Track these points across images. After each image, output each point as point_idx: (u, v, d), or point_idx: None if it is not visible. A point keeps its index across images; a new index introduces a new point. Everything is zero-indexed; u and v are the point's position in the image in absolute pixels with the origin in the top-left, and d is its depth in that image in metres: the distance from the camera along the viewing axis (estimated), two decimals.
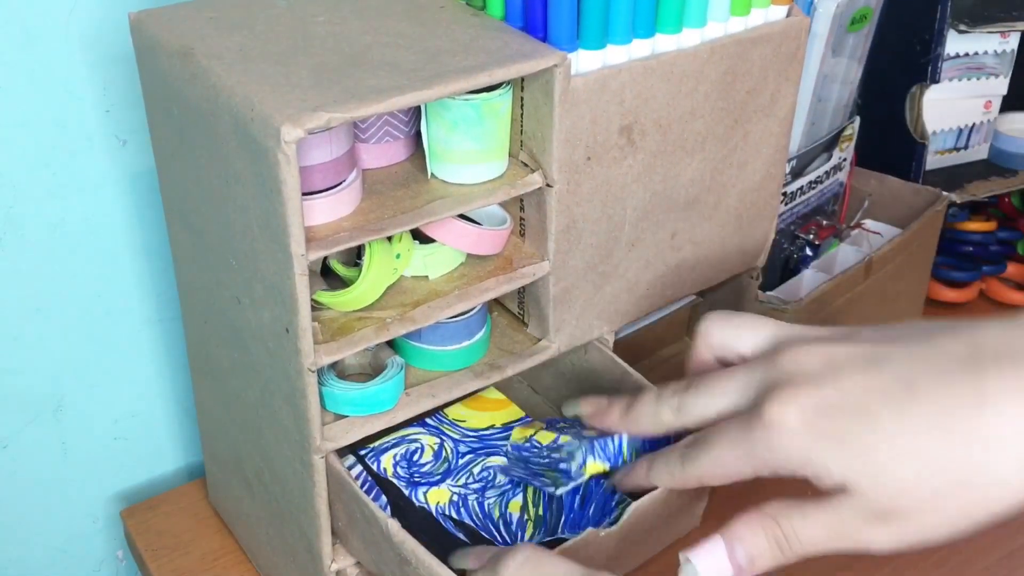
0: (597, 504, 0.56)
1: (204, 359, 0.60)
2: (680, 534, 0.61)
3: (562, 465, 0.54)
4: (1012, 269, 0.89)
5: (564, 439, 0.55)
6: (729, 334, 0.48)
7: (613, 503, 0.55)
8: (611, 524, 0.52)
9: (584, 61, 0.50)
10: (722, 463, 0.46)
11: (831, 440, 0.42)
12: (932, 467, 0.40)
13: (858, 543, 0.42)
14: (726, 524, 0.45)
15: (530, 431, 0.59)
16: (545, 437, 0.57)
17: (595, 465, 0.53)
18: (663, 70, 0.52)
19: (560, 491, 0.54)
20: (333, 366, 0.51)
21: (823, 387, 0.42)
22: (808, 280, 0.75)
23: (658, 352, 0.69)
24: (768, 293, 0.69)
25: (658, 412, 0.49)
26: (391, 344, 0.54)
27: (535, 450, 0.57)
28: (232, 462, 0.62)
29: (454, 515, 0.55)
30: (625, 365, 0.58)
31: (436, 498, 0.56)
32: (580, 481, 0.54)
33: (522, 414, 0.62)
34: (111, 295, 0.69)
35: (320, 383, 0.49)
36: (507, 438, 0.60)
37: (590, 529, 0.51)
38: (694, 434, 0.47)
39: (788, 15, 0.58)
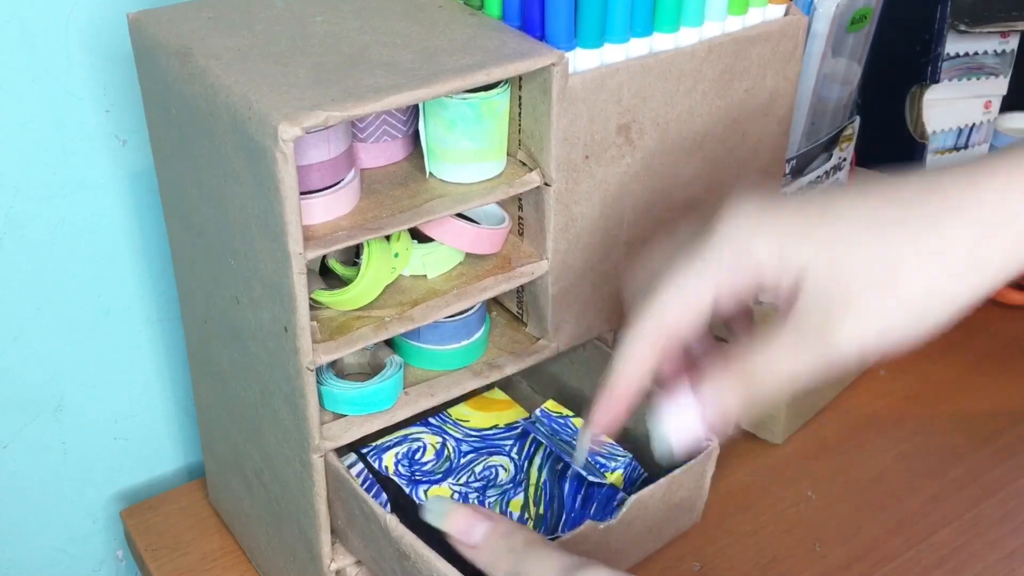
0: (599, 504, 0.56)
1: (204, 359, 0.60)
2: (682, 529, 0.61)
3: (593, 457, 0.55)
4: None
5: (606, 437, 0.55)
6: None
7: (615, 503, 0.55)
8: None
9: (582, 60, 0.50)
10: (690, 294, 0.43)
11: (794, 234, 0.42)
12: (886, 254, 0.41)
13: (818, 350, 0.41)
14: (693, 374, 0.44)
15: (567, 411, 0.59)
16: (580, 423, 0.58)
17: (616, 475, 0.54)
18: (661, 69, 0.52)
19: (577, 465, 0.55)
20: (332, 365, 0.51)
21: (778, 203, 0.43)
22: None
23: None
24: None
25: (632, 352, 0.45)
26: (390, 343, 0.54)
27: (568, 429, 0.58)
28: (232, 462, 0.62)
29: None
30: None
31: (437, 496, 0.56)
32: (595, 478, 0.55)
33: (526, 414, 0.62)
34: (111, 295, 0.69)
35: (319, 382, 0.49)
36: (510, 438, 0.60)
37: (589, 522, 0.51)
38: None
39: (786, 14, 0.58)
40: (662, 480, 0.54)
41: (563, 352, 0.58)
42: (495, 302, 0.59)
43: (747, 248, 0.43)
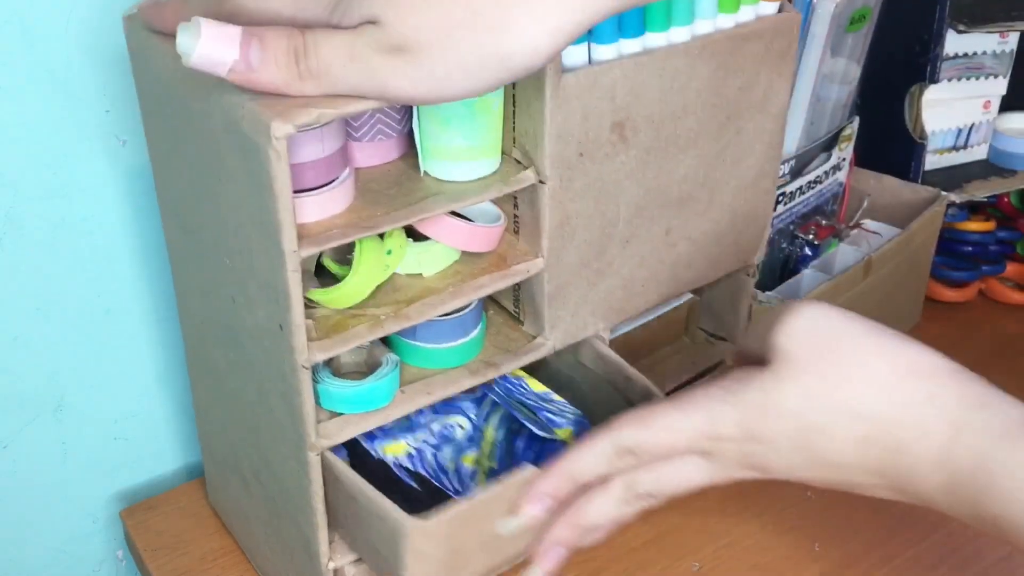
0: (550, 459, 0.56)
1: (201, 359, 0.61)
2: None
3: (543, 414, 0.55)
4: (1011, 269, 0.89)
5: (556, 396, 0.57)
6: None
7: None
8: None
9: (574, 58, 0.50)
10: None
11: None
12: (455, 13, 0.40)
13: (373, 74, 0.41)
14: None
15: (521, 373, 0.60)
16: (536, 385, 0.58)
17: (566, 431, 0.56)
18: (654, 66, 0.53)
19: (533, 427, 0.57)
20: (328, 364, 0.51)
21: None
22: (807, 280, 0.75)
23: (655, 351, 0.69)
24: (767, 293, 0.69)
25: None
26: (386, 342, 0.54)
27: (522, 390, 0.59)
28: (230, 461, 0.62)
29: (409, 466, 0.56)
30: (622, 361, 0.58)
31: (393, 451, 0.57)
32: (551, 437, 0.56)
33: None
34: (111, 295, 0.69)
35: (315, 381, 0.49)
36: (470, 401, 0.61)
37: (527, 464, 0.51)
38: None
39: (780, 11, 0.58)
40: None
41: (559, 350, 0.58)
42: (491, 300, 0.59)
43: None
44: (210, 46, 0.41)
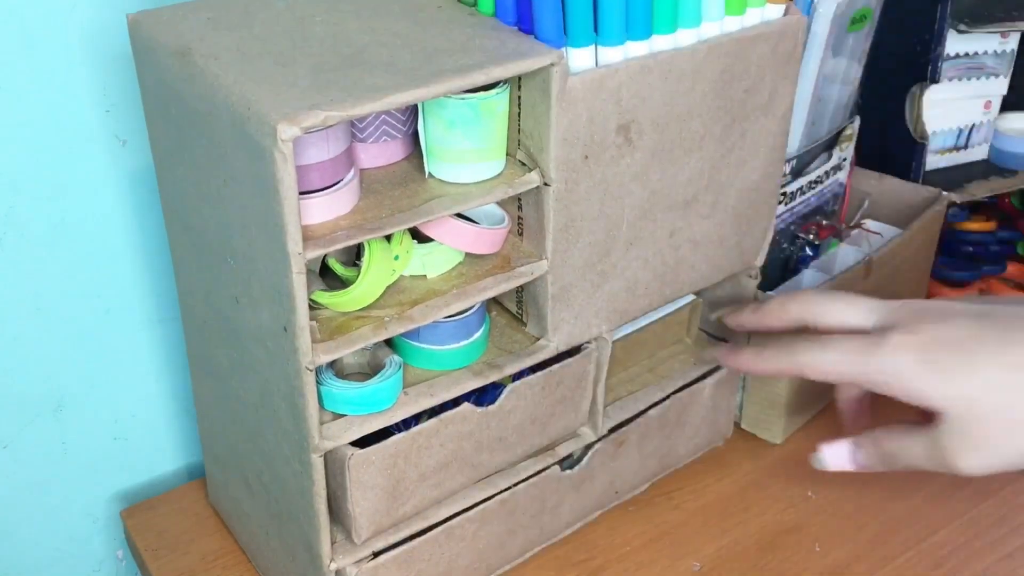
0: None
1: (203, 359, 0.60)
2: (570, 427, 0.61)
3: None
4: (1012, 269, 0.89)
5: None
6: (833, 311, 0.56)
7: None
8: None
9: (581, 60, 0.50)
10: (833, 361, 0.53)
11: (936, 371, 0.50)
12: (1014, 399, 0.48)
13: (950, 467, 0.51)
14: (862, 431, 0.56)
15: None
16: None
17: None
18: (660, 69, 0.52)
19: None
20: (332, 365, 0.51)
21: (939, 328, 0.50)
22: (808, 280, 0.75)
23: (658, 353, 0.69)
24: (768, 293, 0.69)
25: (786, 306, 0.58)
26: (390, 343, 0.54)
27: None
28: (232, 462, 0.62)
29: None
30: None
31: None
32: None
33: None
34: (111, 295, 0.69)
35: (319, 382, 0.49)
36: None
37: (466, 404, 0.55)
38: (806, 335, 0.55)
39: (785, 14, 0.58)
40: (539, 373, 0.57)
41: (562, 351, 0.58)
42: (495, 302, 0.59)
43: (910, 385, 0.51)
44: (833, 464, 0.57)
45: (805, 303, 0.57)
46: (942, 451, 0.50)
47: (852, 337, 0.53)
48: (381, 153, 0.51)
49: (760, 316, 0.60)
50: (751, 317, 0.60)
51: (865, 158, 0.83)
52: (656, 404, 0.66)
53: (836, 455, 0.56)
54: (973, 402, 0.49)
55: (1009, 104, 0.88)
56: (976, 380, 0.49)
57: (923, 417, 0.52)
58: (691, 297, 0.69)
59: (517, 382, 0.56)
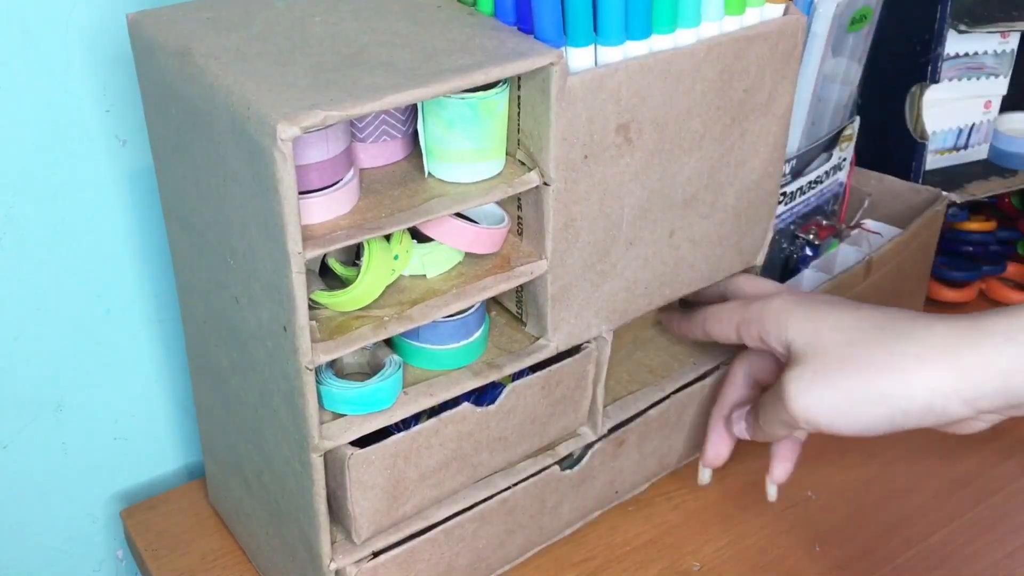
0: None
1: (203, 359, 0.60)
2: (569, 428, 0.62)
3: None
4: (1012, 269, 0.89)
5: None
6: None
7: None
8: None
9: (580, 60, 0.50)
10: (722, 315, 0.60)
11: (800, 314, 0.55)
12: (854, 338, 0.52)
13: (786, 403, 0.53)
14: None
15: None
16: None
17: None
18: (660, 69, 0.52)
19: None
20: (331, 365, 0.51)
21: (818, 296, 0.57)
22: (808, 280, 0.75)
23: (640, 334, 0.69)
24: None
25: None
26: (389, 343, 0.54)
27: None
28: (231, 462, 0.62)
29: None
30: None
31: None
32: None
33: None
34: (111, 295, 0.69)
35: (318, 382, 0.49)
36: None
37: (466, 404, 0.54)
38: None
39: (785, 13, 0.58)
40: (540, 373, 0.57)
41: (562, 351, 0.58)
42: (494, 302, 0.59)
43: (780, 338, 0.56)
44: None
45: (733, 278, 0.64)
46: (783, 389, 0.53)
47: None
48: (381, 153, 0.51)
49: (696, 292, 0.64)
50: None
51: (865, 158, 0.83)
52: (656, 404, 0.66)
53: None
54: (818, 336, 0.53)
55: (1009, 104, 0.88)
56: (829, 320, 0.53)
57: None
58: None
59: (517, 382, 0.56)
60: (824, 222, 0.78)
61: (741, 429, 0.61)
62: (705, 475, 0.65)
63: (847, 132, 0.77)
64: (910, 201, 0.82)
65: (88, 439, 0.72)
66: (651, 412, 0.65)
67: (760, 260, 0.66)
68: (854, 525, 0.67)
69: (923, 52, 0.81)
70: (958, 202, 0.82)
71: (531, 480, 0.60)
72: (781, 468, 0.62)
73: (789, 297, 0.57)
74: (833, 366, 0.52)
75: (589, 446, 0.63)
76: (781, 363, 0.56)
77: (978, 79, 0.85)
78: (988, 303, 0.89)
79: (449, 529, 0.57)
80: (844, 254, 0.77)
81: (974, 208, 0.90)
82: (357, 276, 0.49)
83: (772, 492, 0.63)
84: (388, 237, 0.50)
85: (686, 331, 0.64)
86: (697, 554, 0.65)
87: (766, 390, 0.59)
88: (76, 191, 0.65)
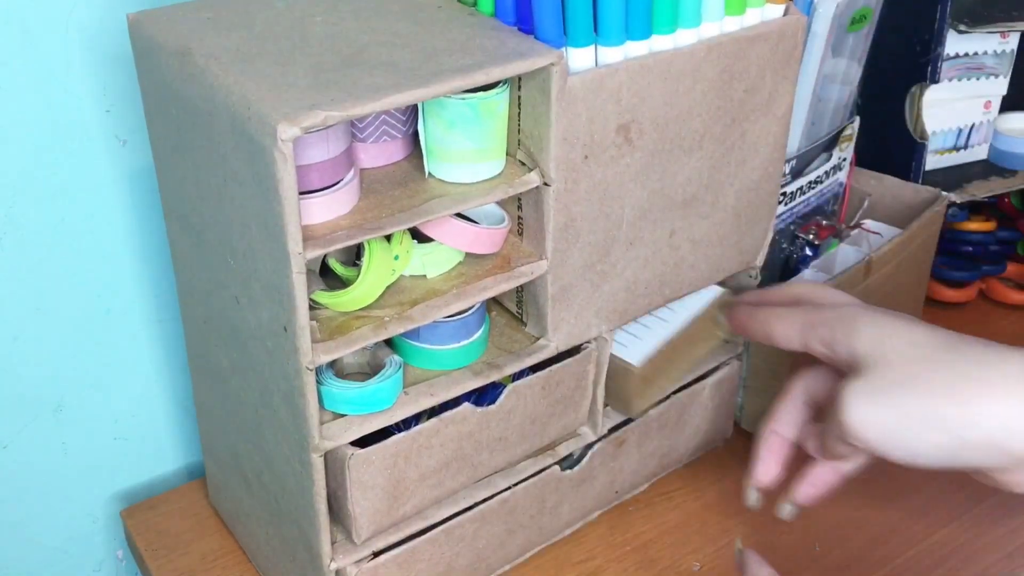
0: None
1: (203, 359, 0.60)
2: (569, 427, 0.62)
3: None
4: (1012, 269, 0.89)
5: None
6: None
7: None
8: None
9: (580, 60, 0.50)
10: (792, 321, 0.55)
11: (873, 325, 0.51)
12: (926, 355, 0.49)
13: (839, 413, 0.49)
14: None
15: None
16: None
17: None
18: (660, 69, 0.52)
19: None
20: (332, 365, 0.51)
21: (891, 313, 0.53)
22: (808, 280, 0.75)
23: (695, 353, 0.69)
24: None
25: (787, 288, 0.60)
26: (390, 343, 0.54)
27: None
28: (231, 462, 0.62)
29: None
30: None
31: None
32: None
33: None
34: (111, 295, 0.69)
35: (318, 382, 0.49)
36: None
37: (466, 404, 0.54)
38: None
39: (785, 14, 0.58)
40: (540, 373, 0.57)
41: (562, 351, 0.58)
42: (495, 302, 0.59)
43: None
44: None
45: (804, 285, 0.59)
46: (840, 398, 0.49)
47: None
48: (381, 153, 0.51)
49: (762, 293, 0.61)
50: (753, 295, 0.61)
51: (865, 158, 0.83)
52: (656, 404, 0.66)
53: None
54: (887, 347, 0.49)
55: (1009, 104, 0.88)
56: (901, 334, 0.50)
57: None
58: (716, 290, 0.67)
59: (517, 382, 0.56)
60: (824, 222, 0.78)
61: (814, 447, 0.56)
62: (752, 496, 0.59)
63: (847, 132, 0.77)
64: (910, 201, 0.82)
65: (88, 439, 0.72)
66: (651, 412, 0.65)
67: (760, 260, 0.66)
68: (854, 525, 0.67)
69: (923, 52, 0.81)
70: (958, 202, 0.82)
71: (531, 480, 0.60)
72: (804, 492, 0.57)
73: (864, 306, 0.54)
74: (896, 381, 0.48)
75: (589, 446, 0.63)
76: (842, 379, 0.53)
77: (978, 79, 0.85)
78: (988, 303, 0.89)
79: (449, 529, 0.57)
80: (844, 254, 0.77)
81: (974, 208, 0.90)
82: (357, 276, 0.49)
83: (753, 497, 0.58)
84: (388, 237, 0.50)
85: (749, 328, 0.59)
86: (697, 554, 0.65)
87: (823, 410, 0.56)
88: (76, 191, 0.65)
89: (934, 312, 0.86)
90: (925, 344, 0.49)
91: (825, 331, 0.53)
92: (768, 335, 0.56)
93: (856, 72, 0.77)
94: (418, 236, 0.52)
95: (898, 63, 0.83)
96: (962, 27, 0.79)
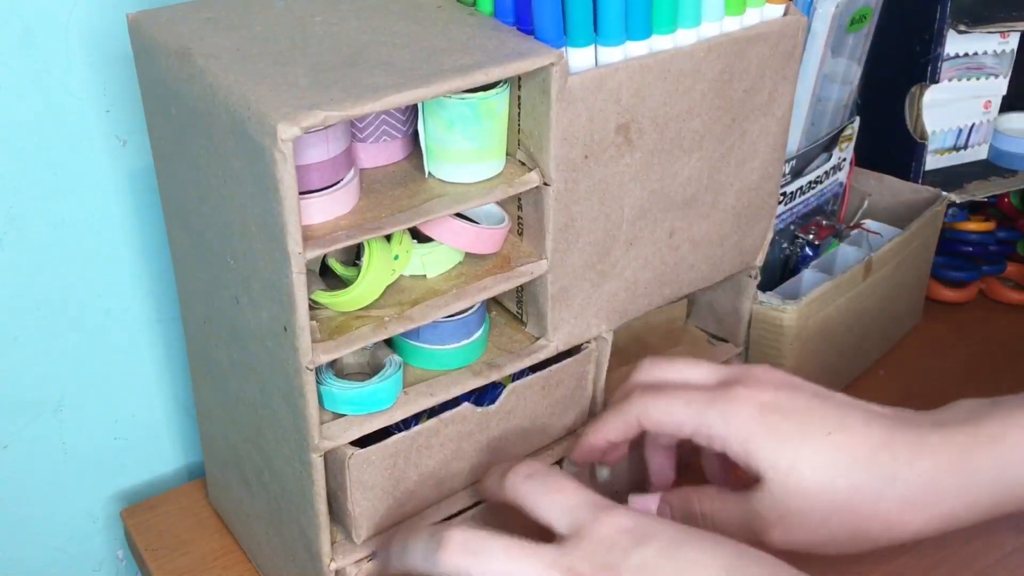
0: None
1: (203, 359, 0.60)
2: (571, 429, 0.61)
3: None
4: (1011, 269, 0.89)
5: None
6: (674, 371, 0.55)
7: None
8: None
9: (580, 60, 0.50)
10: (671, 410, 0.52)
11: (769, 434, 0.49)
12: (834, 481, 0.49)
13: (759, 535, 0.50)
14: (671, 488, 0.56)
15: None
16: None
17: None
18: (660, 69, 0.53)
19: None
20: (331, 365, 0.51)
21: (780, 394, 0.51)
22: (808, 280, 0.75)
23: (655, 352, 0.69)
24: (767, 293, 0.69)
25: (629, 382, 0.56)
26: (389, 343, 0.54)
27: None
28: (232, 462, 0.62)
29: None
30: None
31: None
32: None
33: None
34: (111, 295, 0.69)
35: (318, 382, 0.49)
36: None
37: (466, 404, 0.54)
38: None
39: (785, 14, 0.58)
40: (540, 373, 0.57)
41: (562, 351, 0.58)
42: (494, 302, 0.59)
43: (745, 442, 0.51)
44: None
45: (644, 371, 0.55)
46: (754, 518, 0.50)
47: (693, 389, 0.52)
48: (381, 153, 0.51)
49: (600, 419, 0.55)
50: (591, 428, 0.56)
51: (865, 158, 0.83)
52: None
53: (643, 507, 0.55)
54: (795, 474, 0.49)
55: (1009, 104, 0.88)
56: (804, 453, 0.49)
57: (736, 484, 0.53)
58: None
59: (517, 382, 0.56)
60: (824, 222, 0.78)
61: (671, 516, 0.54)
62: (603, 472, 0.59)
63: (847, 132, 0.77)
64: (910, 201, 0.82)
65: (88, 439, 0.72)
66: None
67: (760, 260, 0.66)
68: None
69: (923, 52, 0.81)
70: (958, 202, 0.82)
71: None
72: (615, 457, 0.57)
73: (753, 397, 0.51)
74: (816, 516, 0.49)
75: None
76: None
77: (978, 79, 0.85)
78: (987, 303, 0.89)
79: None
80: (844, 254, 0.77)
81: (974, 208, 0.90)
82: (357, 276, 0.49)
83: (604, 473, 0.59)
84: (388, 237, 0.50)
85: (599, 436, 0.55)
86: None
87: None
88: (76, 191, 0.65)
89: (934, 312, 0.86)
90: (832, 463, 0.49)
91: (716, 431, 0.51)
92: (638, 425, 0.54)
93: (856, 72, 0.77)
94: (418, 236, 0.52)
95: (898, 63, 0.83)
96: (962, 27, 0.79)
